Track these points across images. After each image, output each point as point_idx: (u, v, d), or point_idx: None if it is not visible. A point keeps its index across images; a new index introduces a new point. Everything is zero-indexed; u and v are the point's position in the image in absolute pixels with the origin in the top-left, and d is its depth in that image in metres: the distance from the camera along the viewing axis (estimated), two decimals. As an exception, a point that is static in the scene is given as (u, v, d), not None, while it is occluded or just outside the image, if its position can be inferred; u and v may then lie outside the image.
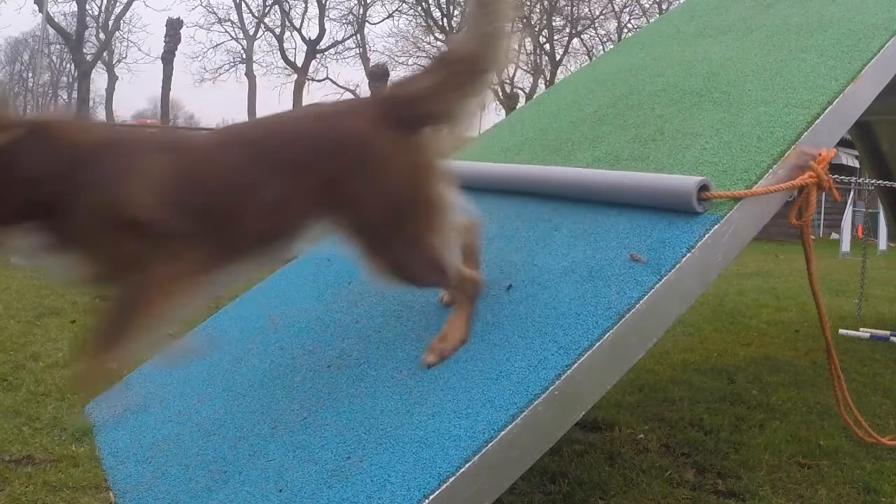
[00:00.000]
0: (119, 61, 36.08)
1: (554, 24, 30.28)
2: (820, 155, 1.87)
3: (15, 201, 1.40)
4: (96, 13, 33.16)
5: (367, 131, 1.56)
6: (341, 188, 1.54)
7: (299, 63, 32.98)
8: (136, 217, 1.41)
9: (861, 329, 5.30)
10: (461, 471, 1.35)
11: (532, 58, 31.51)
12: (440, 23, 30.02)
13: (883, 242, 12.07)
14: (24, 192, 1.39)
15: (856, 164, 13.29)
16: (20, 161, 1.38)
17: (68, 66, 39.04)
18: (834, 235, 15.73)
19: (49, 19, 29.73)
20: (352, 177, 1.54)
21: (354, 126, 1.56)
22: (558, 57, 30.55)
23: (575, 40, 30.86)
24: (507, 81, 31.74)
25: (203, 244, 1.49)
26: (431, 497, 1.32)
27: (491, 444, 1.38)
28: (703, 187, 1.71)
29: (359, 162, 1.54)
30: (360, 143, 1.55)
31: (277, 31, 33.24)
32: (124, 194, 1.41)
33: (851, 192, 13.05)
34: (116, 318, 1.49)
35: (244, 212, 1.51)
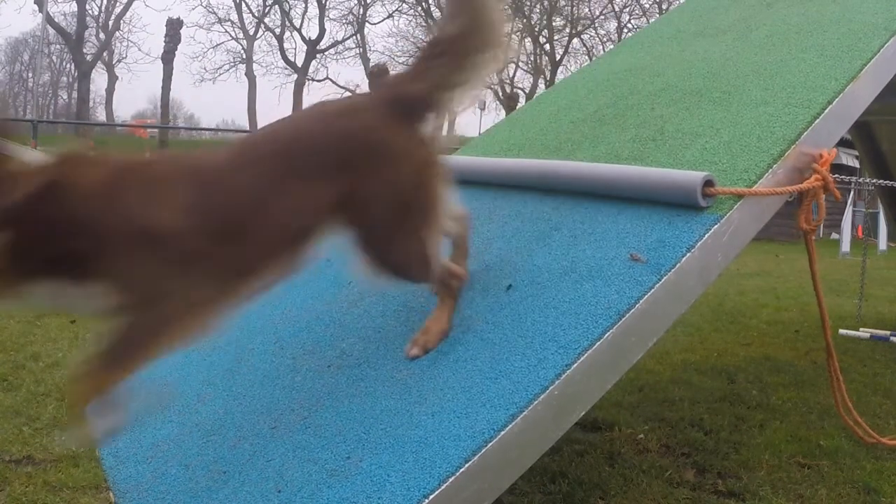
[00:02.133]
0: (119, 61, 36.13)
1: (554, 24, 30.32)
2: (822, 156, 1.87)
3: (42, 255, 1.35)
4: (96, 13, 33.20)
5: (380, 128, 1.55)
6: (358, 187, 1.53)
7: (299, 63, 33.00)
8: (162, 242, 1.39)
9: (861, 329, 5.30)
10: (461, 470, 1.35)
11: (532, 58, 31.53)
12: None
13: (883, 242, 12.07)
14: (50, 245, 1.35)
15: (856, 164, 13.29)
16: (42, 213, 1.33)
17: (68, 66, 39.08)
18: (834, 235, 15.73)
19: (49, 19, 29.76)
20: (367, 174, 1.53)
21: (367, 124, 1.55)
22: (558, 57, 30.58)
23: (575, 40, 30.89)
24: (507, 81, 31.76)
25: (227, 265, 1.48)
26: (431, 497, 1.32)
27: (490, 443, 1.38)
28: (708, 182, 1.71)
29: (374, 159, 1.54)
30: (374, 140, 1.54)
31: (277, 31, 33.26)
32: (150, 222, 1.39)
33: (851, 192, 13.05)
34: (130, 341, 1.45)
35: (267, 227, 1.49)
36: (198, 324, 1.49)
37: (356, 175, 1.52)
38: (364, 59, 33.31)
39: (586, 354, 1.49)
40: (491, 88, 32.69)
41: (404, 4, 31.24)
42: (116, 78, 36.06)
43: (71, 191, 1.36)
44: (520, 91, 31.66)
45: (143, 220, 1.39)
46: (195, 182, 1.47)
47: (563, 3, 29.84)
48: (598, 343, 1.50)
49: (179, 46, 28.37)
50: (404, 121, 1.57)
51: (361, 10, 32.60)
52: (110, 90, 36.25)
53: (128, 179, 1.43)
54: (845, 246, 12.29)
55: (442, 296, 1.73)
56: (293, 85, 33.04)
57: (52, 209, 1.34)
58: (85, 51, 31.79)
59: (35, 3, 29.92)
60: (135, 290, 1.42)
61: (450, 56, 1.60)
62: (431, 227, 1.60)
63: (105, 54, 34.38)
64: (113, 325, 1.45)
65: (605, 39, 30.68)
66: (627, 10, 30.58)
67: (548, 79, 29.79)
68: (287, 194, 1.49)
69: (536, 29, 30.55)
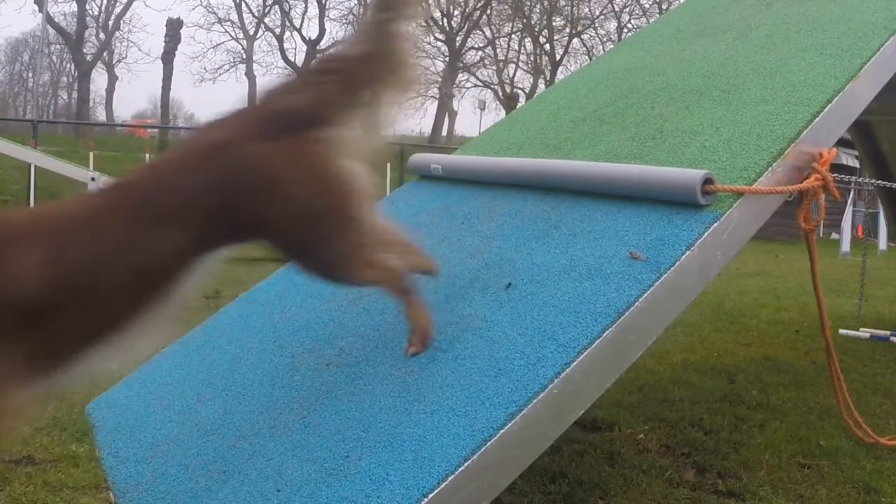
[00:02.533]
0: (119, 61, 36.15)
1: (554, 24, 30.33)
2: (821, 156, 1.87)
3: None
4: (96, 13, 33.20)
5: (255, 156, 1.47)
6: (238, 215, 1.47)
7: (299, 63, 32.98)
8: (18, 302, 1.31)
9: (861, 329, 5.30)
10: (460, 469, 1.34)
11: (532, 58, 31.55)
12: (440, 23, 30.03)
13: (883, 242, 12.09)
14: None
15: (856, 164, 13.29)
16: None
17: (68, 66, 39.07)
18: (834, 235, 15.74)
19: (49, 19, 29.77)
20: (246, 201, 1.46)
21: (242, 154, 1.46)
22: (558, 57, 30.58)
23: (575, 40, 30.91)
24: (508, 81, 31.77)
25: (77, 326, 1.40)
26: (430, 496, 1.32)
27: (490, 442, 1.37)
28: (708, 180, 1.71)
29: (247, 185, 1.46)
30: (250, 169, 1.46)
31: (277, 31, 33.27)
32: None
33: (851, 192, 13.05)
34: None
35: (123, 279, 1.41)
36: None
37: (229, 205, 1.46)
38: (364, 59, 33.22)
39: (586, 353, 1.48)
40: (491, 89, 32.77)
41: (404, 4, 31.18)
42: (116, 78, 36.08)
43: None
44: (520, 91, 31.69)
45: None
46: (51, 237, 1.39)
47: (563, 3, 29.86)
48: (598, 341, 1.50)
49: (179, 46, 28.36)
50: (286, 133, 1.49)
51: (361, 10, 32.58)
52: (110, 90, 36.28)
53: None
54: (845, 246, 12.30)
55: (397, 296, 1.73)
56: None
57: None
58: (85, 51, 31.79)
59: (35, 3, 29.93)
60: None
61: (341, 75, 1.55)
62: (352, 232, 1.55)
63: (105, 54, 34.38)
64: None
65: (605, 39, 30.71)
66: (627, 10, 30.61)
67: (548, 79, 29.80)
68: (146, 243, 1.42)
69: (536, 29, 30.56)
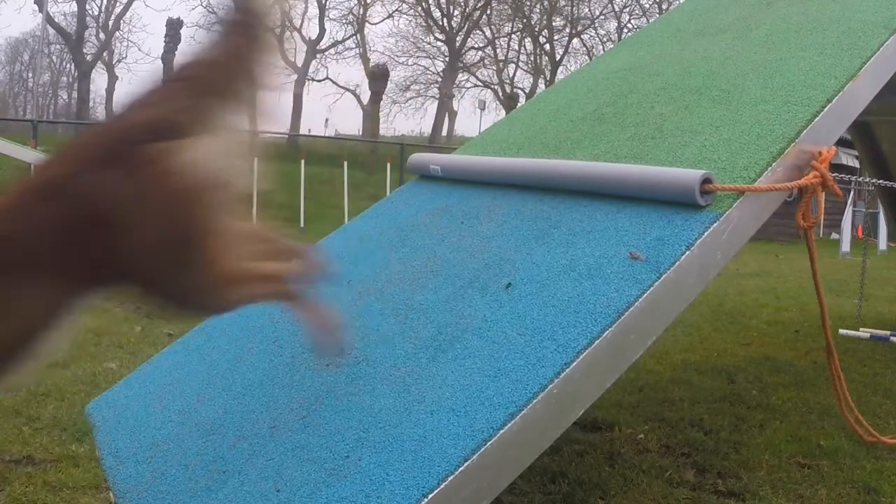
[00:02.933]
0: (119, 61, 36.15)
1: (554, 24, 30.32)
2: (821, 154, 1.87)
3: None
4: (96, 13, 33.19)
5: (86, 184, 1.29)
6: (86, 257, 1.32)
7: (299, 63, 32.98)
8: None
9: (861, 329, 5.30)
10: (460, 469, 1.34)
11: (532, 58, 31.54)
12: (440, 23, 30.04)
13: (883, 242, 12.09)
14: None
15: (856, 164, 13.29)
16: None
17: (68, 66, 39.08)
18: (834, 235, 15.74)
19: (49, 19, 29.75)
20: (91, 238, 1.31)
21: (70, 187, 1.30)
22: (558, 57, 30.58)
23: (575, 40, 30.90)
24: (508, 81, 31.76)
25: None
26: (430, 496, 1.32)
27: (490, 442, 1.37)
28: (706, 180, 1.71)
29: (89, 221, 1.29)
30: (83, 202, 1.29)
31: (277, 31, 33.22)
32: None
33: (851, 192, 13.05)
34: None
35: None
36: None
37: (91, 242, 1.31)
38: (364, 59, 33.29)
39: (585, 353, 1.48)
40: (491, 89, 32.76)
41: (404, 4, 31.22)
42: (116, 78, 36.07)
43: None
44: (520, 91, 31.67)
45: None
46: None
47: (563, 3, 29.84)
48: (598, 341, 1.50)
49: (179, 46, 28.35)
50: (135, 152, 1.32)
51: (361, 10, 32.58)
52: (110, 90, 36.26)
53: None
54: (845, 246, 12.30)
55: (288, 304, 1.59)
56: (293, 85, 33.04)
57: None
58: (85, 51, 31.77)
59: (35, 3, 29.91)
60: None
61: (194, 81, 1.43)
62: (213, 245, 1.38)
63: (105, 54, 34.38)
64: None
65: (605, 39, 30.69)
66: (627, 10, 30.59)
67: (548, 79, 29.78)
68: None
69: (536, 29, 30.55)
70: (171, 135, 1.33)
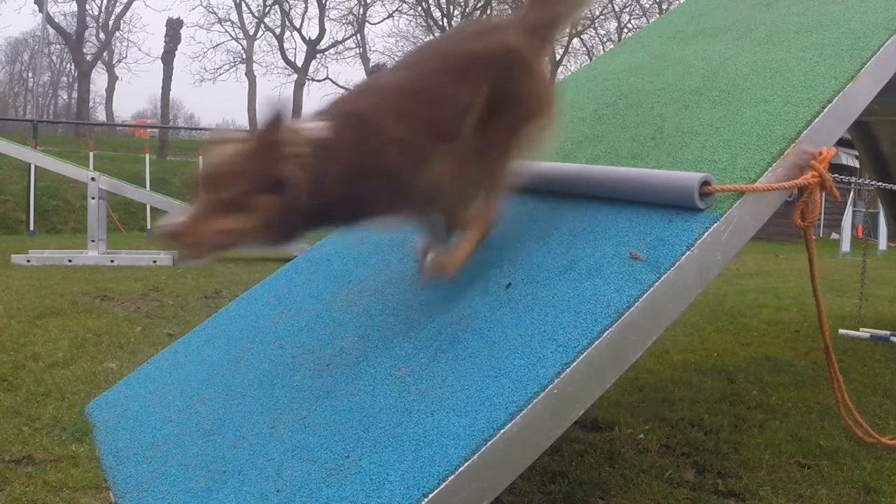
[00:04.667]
0: (119, 61, 36.22)
1: (554, 24, 30.24)
2: (820, 154, 1.87)
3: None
4: (96, 13, 33.23)
5: (515, 41, 1.86)
6: (498, 86, 1.81)
7: (299, 63, 33.00)
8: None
9: (861, 329, 5.30)
10: (460, 469, 1.34)
11: (532, 58, 31.40)
12: (440, 23, 30.04)
13: (883, 242, 12.11)
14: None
15: (856, 164, 13.30)
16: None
17: (68, 66, 39.11)
18: (834, 235, 15.75)
19: (49, 19, 29.78)
20: (509, 74, 1.84)
21: (502, 38, 1.86)
22: (558, 57, 30.56)
23: (575, 40, 30.89)
24: (508, 82, 31.62)
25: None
26: (430, 496, 1.32)
27: (490, 442, 1.37)
28: (705, 183, 1.71)
29: (510, 63, 1.84)
30: (517, 57, 1.86)
31: (277, 31, 33.28)
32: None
33: (851, 192, 13.07)
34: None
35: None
36: None
37: (497, 80, 1.81)
38: (364, 59, 33.32)
39: (586, 353, 1.48)
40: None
41: (404, 4, 31.26)
42: (116, 78, 36.11)
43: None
44: (520, 91, 31.61)
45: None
46: (401, 97, 1.72)
47: (563, 3, 29.79)
48: (598, 341, 1.50)
49: (179, 46, 28.35)
50: (529, 35, 1.89)
51: (361, 10, 32.61)
52: (110, 90, 36.30)
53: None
54: (845, 246, 12.31)
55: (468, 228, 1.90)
56: (293, 85, 33.05)
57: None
58: (85, 51, 31.80)
59: (35, 3, 29.94)
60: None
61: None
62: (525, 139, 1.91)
63: (105, 54, 34.40)
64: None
65: (605, 39, 30.73)
66: (627, 10, 30.62)
67: (548, 79, 29.73)
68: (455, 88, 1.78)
69: (536, 29, 30.46)
70: (546, 37, 1.99)
